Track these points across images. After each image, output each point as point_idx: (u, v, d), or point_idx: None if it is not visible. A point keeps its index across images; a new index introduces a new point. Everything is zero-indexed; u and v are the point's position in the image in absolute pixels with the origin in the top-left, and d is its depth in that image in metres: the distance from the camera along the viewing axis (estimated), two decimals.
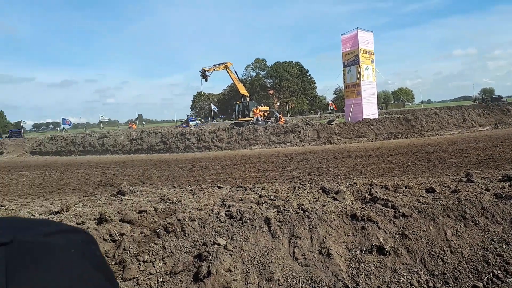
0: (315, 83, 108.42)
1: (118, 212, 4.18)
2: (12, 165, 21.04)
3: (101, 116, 73.47)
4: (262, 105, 43.65)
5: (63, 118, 53.43)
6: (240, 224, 3.82)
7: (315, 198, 4.56)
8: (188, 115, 77.47)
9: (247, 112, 33.96)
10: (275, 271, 3.40)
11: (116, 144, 24.72)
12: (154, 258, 3.53)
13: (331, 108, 66.70)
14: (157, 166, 15.87)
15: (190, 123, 50.97)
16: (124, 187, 5.60)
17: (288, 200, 4.40)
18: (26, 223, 0.54)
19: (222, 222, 3.89)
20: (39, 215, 4.61)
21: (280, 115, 33.39)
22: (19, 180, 14.04)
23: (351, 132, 21.78)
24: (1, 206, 5.56)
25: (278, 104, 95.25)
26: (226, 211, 4.06)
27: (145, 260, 3.50)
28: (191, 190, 5.59)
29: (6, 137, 51.54)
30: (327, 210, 3.96)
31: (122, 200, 5.04)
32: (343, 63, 27.97)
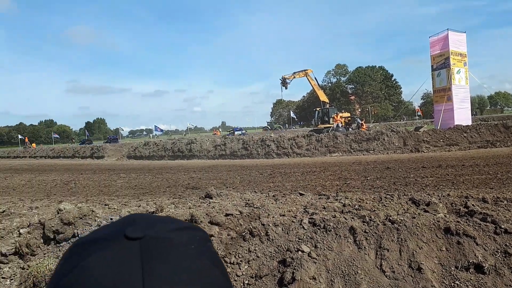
0: (401, 88, 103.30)
1: (207, 214, 4.43)
2: (111, 168, 23.32)
3: (189, 124, 78.79)
4: (343, 111, 42.71)
5: (155, 125, 59.08)
6: (324, 232, 3.80)
7: (403, 209, 4.35)
8: (268, 122, 79.02)
9: (327, 119, 33.48)
10: (361, 282, 3.32)
11: (202, 150, 26.06)
12: (240, 261, 3.67)
13: (418, 114, 62.91)
14: (239, 171, 16.39)
15: (236, 132, 55.42)
16: (212, 191, 5.91)
17: (374, 210, 4.27)
18: (152, 219, 0.59)
19: (305, 229, 3.91)
20: None
21: (362, 122, 32.30)
22: (117, 181, 15.52)
23: (441, 140, 20.24)
24: (105, 205, 6.22)
25: (360, 110, 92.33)
26: (309, 218, 4.07)
27: (231, 262, 3.66)
28: (273, 196, 5.70)
29: (104, 142, 58.09)
30: (417, 223, 3.76)
31: (210, 203, 5.32)
32: (432, 66, 26.19)
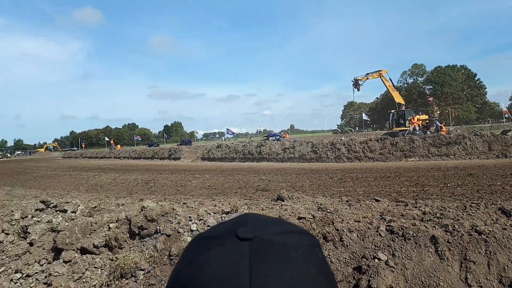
0: (485, 88, 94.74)
1: (279, 216, 4.48)
2: (187, 168, 24.55)
3: (258, 127, 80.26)
4: (420, 113, 40.32)
5: (227, 129, 61.67)
6: (403, 240, 3.64)
7: (492, 219, 4.01)
8: (338, 125, 77.42)
9: (402, 122, 31.88)
10: None
11: (271, 153, 26.34)
12: None
13: (506, 116, 57.27)
14: (308, 174, 16.28)
15: (270, 138, 55.69)
16: (283, 193, 5.96)
17: (458, 219, 3.99)
18: (264, 221, 0.60)
19: (382, 237, 3.78)
20: (214, 213, 5.29)
21: (442, 125, 30.21)
22: (192, 182, 16.31)
23: None
24: (184, 203, 6.58)
25: (438, 112, 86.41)
26: (386, 225, 3.93)
27: None
28: (347, 201, 5.58)
29: (178, 145, 61.87)
30: (509, 235, 3.45)
31: (282, 205, 5.37)
32: None
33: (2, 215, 6.44)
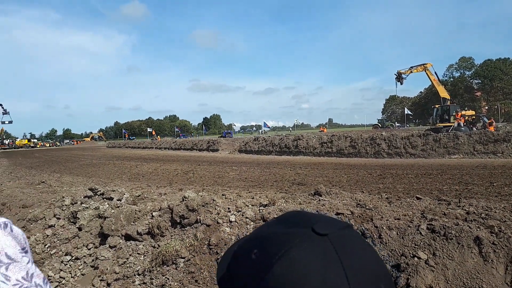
0: None
1: (317, 211, 4.51)
2: (225, 160, 24.92)
3: (296, 120, 79.74)
4: (466, 109, 38.42)
5: (264, 122, 61.45)
6: (444, 240, 3.57)
7: None
8: (378, 119, 75.41)
9: (447, 117, 30.53)
10: None
11: (308, 147, 26.16)
12: None
13: None
14: (346, 170, 16.05)
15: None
16: (321, 188, 5.96)
17: (505, 221, 3.85)
18: (318, 216, 0.61)
19: (422, 236, 3.72)
20: (252, 206, 5.39)
21: (490, 121, 28.67)
22: (230, 173, 16.55)
23: None
24: (223, 195, 6.74)
25: (487, 108, 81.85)
26: (427, 224, 3.86)
27: None
28: (387, 198, 5.50)
29: (218, 137, 62.97)
30: None
31: (319, 200, 5.38)
32: None
33: (54, 201, 6.90)
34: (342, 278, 0.49)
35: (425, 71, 31.73)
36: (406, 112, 68.66)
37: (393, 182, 11.96)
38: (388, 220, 4.10)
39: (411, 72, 31.69)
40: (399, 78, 32.00)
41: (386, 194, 6.37)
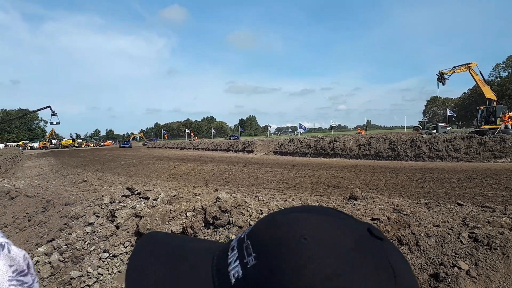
0: None
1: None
2: (259, 161, 24.96)
3: (332, 122, 78.53)
4: None
5: (300, 123, 61.22)
6: (488, 250, 3.36)
7: None
8: (419, 121, 72.79)
9: (493, 119, 29.01)
10: None
11: (345, 149, 25.67)
12: None
13: None
14: (384, 173, 15.59)
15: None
16: (356, 192, 5.81)
17: None
18: (351, 219, 0.58)
19: (464, 244, 3.52)
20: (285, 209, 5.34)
21: None
22: (264, 175, 16.56)
23: None
24: (256, 197, 6.74)
25: None
26: (469, 232, 3.65)
27: None
28: (426, 204, 5.27)
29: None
30: None
31: (354, 204, 5.25)
32: None
33: (94, 199, 7.18)
34: (392, 283, 0.48)
35: (469, 71, 30.32)
36: (448, 114, 65.68)
37: (434, 186, 11.48)
38: (426, 227, 3.92)
39: (454, 72, 30.42)
40: (441, 78, 30.82)
41: (425, 199, 6.11)
